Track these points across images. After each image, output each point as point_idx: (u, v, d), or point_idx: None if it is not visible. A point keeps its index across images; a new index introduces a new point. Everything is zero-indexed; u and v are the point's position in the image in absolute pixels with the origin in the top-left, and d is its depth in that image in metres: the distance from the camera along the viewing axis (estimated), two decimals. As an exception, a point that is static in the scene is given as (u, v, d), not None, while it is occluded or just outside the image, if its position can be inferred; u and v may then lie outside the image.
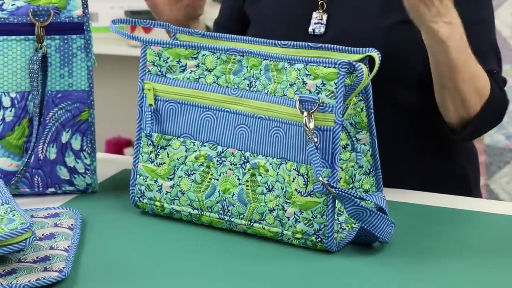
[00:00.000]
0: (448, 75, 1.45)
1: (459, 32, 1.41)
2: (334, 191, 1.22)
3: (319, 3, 1.57)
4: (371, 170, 1.33)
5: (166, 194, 1.38)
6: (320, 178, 1.22)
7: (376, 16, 1.52)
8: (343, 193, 1.22)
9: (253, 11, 1.64)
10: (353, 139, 1.30)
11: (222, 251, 1.28)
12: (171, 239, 1.33)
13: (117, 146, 3.40)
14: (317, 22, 1.55)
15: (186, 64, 1.36)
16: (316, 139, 1.24)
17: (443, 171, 1.61)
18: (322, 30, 1.55)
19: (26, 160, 1.45)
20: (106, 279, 1.19)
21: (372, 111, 1.30)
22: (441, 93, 1.48)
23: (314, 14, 1.56)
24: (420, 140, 1.58)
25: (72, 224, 1.34)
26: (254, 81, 1.32)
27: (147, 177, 1.39)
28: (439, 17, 1.37)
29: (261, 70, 1.31)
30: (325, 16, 1.56)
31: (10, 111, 1.47)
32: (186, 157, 1.36)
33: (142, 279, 1.19)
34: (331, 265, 1.23)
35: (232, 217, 1.33)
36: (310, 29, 1.56)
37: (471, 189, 1.64)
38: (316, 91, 1.25)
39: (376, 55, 1.27)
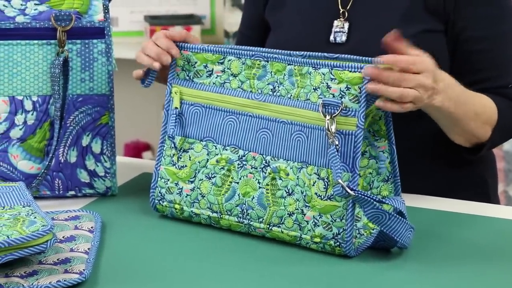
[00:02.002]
0: (452, 125, 1.46)
1: (452, 89, 1.38)
2: (354, 194, 1.23)
3: (341, 11, 1.57)
4: (390, 177, 1.33)
5: (186, 197, 1.38)
6: (340, 181, 1.22)
7: (398, 25, 1.52)
8: (363, 196, 1.23)
9: (273, 19, 1.65)
10: (372, 146, 1.30)
11: (240, 255, 1.29)
12: (190, 242, 1.34)
13: (136, 149, 3.41)
14: (339, 30, 1.56)
15: (213, 69, 1.38)
16: (337, 142, 1.24)
17: (461, 177, 1.61)
18: (344, 38, 1.55)
19: (47, 163, 1.47)
20: (126, 281, 1.20)
21: (391, 119, 1.31)
22: (449, 133, 1.50)
23: (336, 23, 1.57)
24: (439, 146, 1.58)
25: (92, 227, 1.35)
26: (278, 86, 1.33)
27: (168, 179, 1.40)
28: (434, 94, 1.33)
29: (285, 75, 1.32)
30: (346, 25, 1.56)
31: (32, 114, 1.48)
32: (207, 160, 1.37)
33: (161, 282, 1.20)
34: (349, 270, 1.24)
35: (251, 221, 1.33)
36: (331, 38, 1.56)
37: (489, 195, 1.64)
38: (340, 95, 1.26)
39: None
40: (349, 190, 1.22)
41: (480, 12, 1.53)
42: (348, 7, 1.56)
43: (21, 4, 1.48)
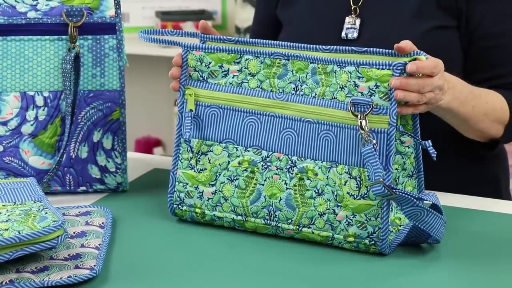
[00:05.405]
0: (462, 124, 1.46)
1: (458, 90, 1.38)
2: (396, 193, 1.21)
3: (352, 8, 1.57)
4: (414, 172, 1.32)
5: (207, 200, 1.35)
6: (382, 180, 1.20)
7: (410, 21, 1.52)
8: (404, 195, 1.21)
9: (285, 15, 1.64)
10: (399, 141, 1.29)
11: (258, 254, 1.28)
12: (201, 238, 1.33)
13: (147, 145, 3.41)
14: (350, 27, 1.55)
15: (229, 69, 1.34)
16: (375, 141, 1.22)
17: (473, 174, 1.61)
18: (355, 35, 1.55)
19: (58, 158, 1.47)
20: (136, 276, 1.20)
21: (418, 114, 1.29)
22: (461, 131, 1.50)
23: (347, 19, 1.56)
24: (452, 143, 1.57)
25: (103, 223, 1.35)
26: (300, 85, 1.30)
27: (187, 183, 1.37)
28: (442, 94, 1.32)
29: (307, 73, 1.29)
30: (358, 21, 1.55)
31: (43, 110, 1.48)
32: (228, 162, 1.33)
33: (171, 278, 1.20)
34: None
35: (279, 222, 1.31)
36: (343, 34, 1.56)
37: (501, 191, 1.63)
38: (369, 94, 1.24)
39: (424, 58, 1.25)
40: (391, 190, 1.20)
41: (494, 7, 1.52)
42: (359, 4, 1.56)
43: (33, 0, 1.48)
